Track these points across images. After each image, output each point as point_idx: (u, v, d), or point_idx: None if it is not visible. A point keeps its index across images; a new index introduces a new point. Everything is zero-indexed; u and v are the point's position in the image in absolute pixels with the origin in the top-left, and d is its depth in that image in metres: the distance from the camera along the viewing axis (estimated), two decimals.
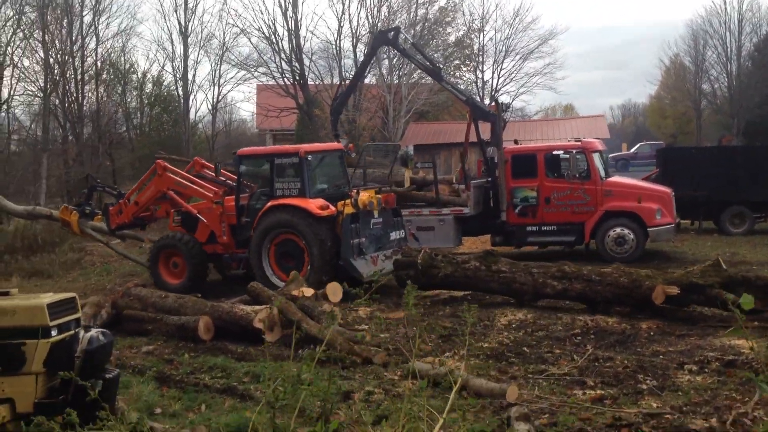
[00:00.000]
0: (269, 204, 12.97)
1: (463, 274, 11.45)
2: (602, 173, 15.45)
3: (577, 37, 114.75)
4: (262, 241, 12.93)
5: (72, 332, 5.70)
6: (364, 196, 13.07)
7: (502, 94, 45.80)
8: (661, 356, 8.19)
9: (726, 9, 45.41)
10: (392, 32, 17.38)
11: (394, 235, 13.71)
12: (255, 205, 13.48)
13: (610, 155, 50.56)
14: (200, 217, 13.88)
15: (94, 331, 5.82)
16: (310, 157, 13.09)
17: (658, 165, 20.54)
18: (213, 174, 14.45)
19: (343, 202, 12.78)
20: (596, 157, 15.55)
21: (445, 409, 4.71)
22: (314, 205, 12.60)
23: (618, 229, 14.86)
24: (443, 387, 7.34)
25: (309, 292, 10.40)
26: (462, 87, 43.49)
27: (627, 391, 6.99)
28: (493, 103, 16.85)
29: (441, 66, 20.85)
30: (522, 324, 10.09)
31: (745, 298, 3.68)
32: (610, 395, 6.88)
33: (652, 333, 9.34)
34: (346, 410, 6.77)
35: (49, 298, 5.68)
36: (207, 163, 15.16)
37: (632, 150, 47.69)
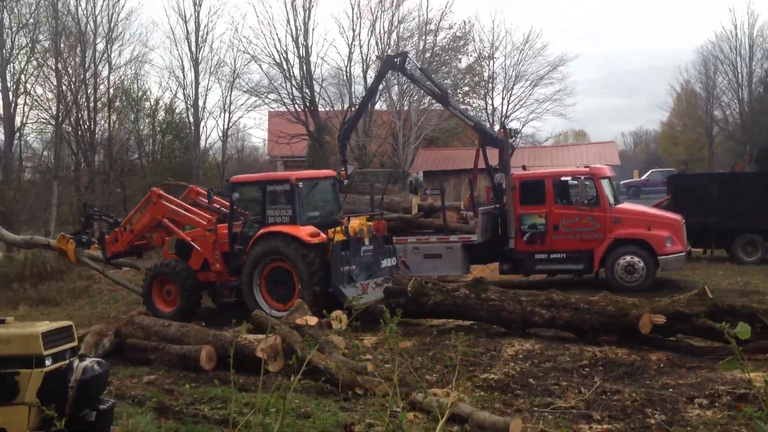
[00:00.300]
0: (261, 231, 12.99)
1: (453, 302, 11.44)
2: (611, 200, 15.29)
3: (589, 64, 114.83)
4: (254, 268, 12.93)
5: (67, 362, 5.63)
6: (355, 223, 13.03)
7: (511, 120, 45.85)
8: (671, 389, 7.99)
9: (737, 34, 45.51)
10: (399, 57, 17.42)
11: (386, 263, 13.63)
12: (248, 233, 13.45)
13: (621, 182, 50.56)
14: (194, 244, 13.95)
15: (88, 361, 5.75)
16: (301, 184, 13.16)
17: (669, 192, 20.35)
18: (201, 201, 14.55)
19: (333, 229, 12.78)
20: (605, 183, 15.41)
21: None
22: (305, 232, 12.62)
23: (628, 257, 14.66)
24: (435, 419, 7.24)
25: (313, 320, 10.29)
26: (471, 113, 43.83)
27: (634, 426, 6.81)
28: (501, 129, 16.73)
29: (449, 92, 20.78)
30: (529, 354, 9.90)
31: (742, 327, 3.46)
32: (616, 430, 6.70)
33: (662, 365, 9.13)
34: None
35: (44, 326, 5.61)
36: (202, 191, 15.20)
37: (643, 177, 47.52)
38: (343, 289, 12.32)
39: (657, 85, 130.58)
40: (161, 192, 14.85)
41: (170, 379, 9.48)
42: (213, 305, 14.98)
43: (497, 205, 15.99)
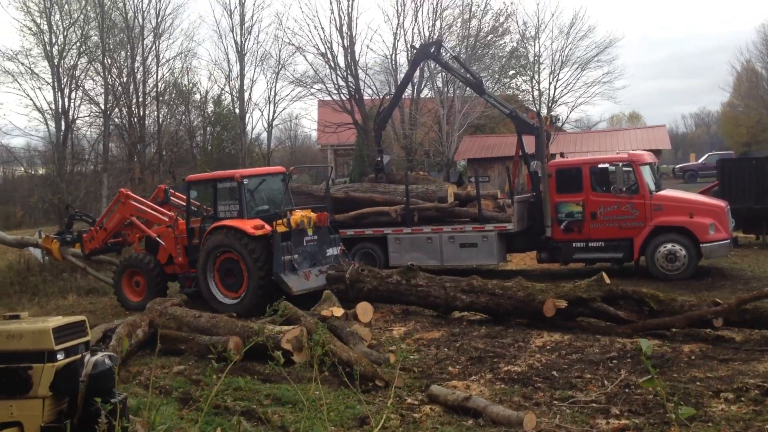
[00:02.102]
0: (212, 226, 13.83)
1: (387, 288, 12.13)
2: (651, 186, 14.87)
3: (649, 46, 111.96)
4: (206, 260, 13.73)
5: (79, 356, 5.77)
6: (297, 215, 13.63)
7: (559, 104, 45.01)
8: (698, 382, 7.77)
9: None
10: (434, 46, 17.25)
11: (331, 252, 14.20)
12: (205, 228, 14.21)
13: (677, 166, 49.18)
14: (159, 240, 15.03)
15: (100, 355, 5.86)
16: (246, 181, 13.86)
17: (718, 177, 19.67)
18: (178, 200, 15.62)
19: (277, 221, 13.39)
20: (645, 169, 14.97)
21: None
22: (249, 225, 13.33)
23: (669, 245, 14.25)
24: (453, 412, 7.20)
25: (339, 312, 10.34)
26: (520, 98, 43.16)
27: (654, 421, 6.64)
28: (536, 116, 16.44)
29: (486, 78, 20.52)
30: (557, 346, 9.75)
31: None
32: (634, 425, 6.55)
33: (693, 357, 8.89)
34: None
35: (55, 322, 5.76)
36: (173, 191, 16.26)
37: (700, 160, 46.14)
38: (285, 277, 13.01)
39: (720, 66, 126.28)
40: (129, 192, 16.03)
41: (199, 370, 9.66)
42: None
43: (533, 193, 15.74)
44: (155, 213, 15.48)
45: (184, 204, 14.92)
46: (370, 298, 12.00)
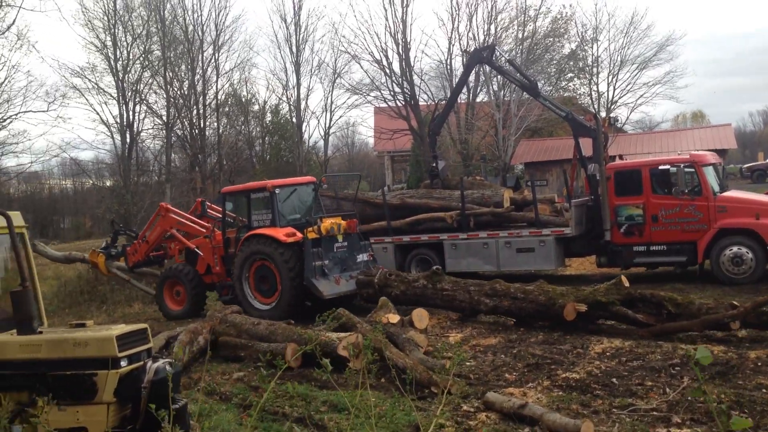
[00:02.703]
0: (246, 234, 14.38)
1: (413, 292, 12.49)
2: (715, 188, 14.43)
3: (712, 44, 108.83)
4: (242, 268, 14.29)
5: (141, 363, 5.96)
6: (327, 222, 14.12)
7: (619, 105, 44.08)
8: (765, 390, 7.50)
9: None
10: (487, 50, 17.18)
11: (361, 258, 14.60)
12: (240, 237, 14.72)
13: (744, 165, 47.56)
14: (198, 251, 15.62)
15: (161, 362, 6.04)
16: (278, 191, 14.39)
17: None
18: (215, 212, 16.11)
19: (308, 228, 13.86)
20: (708, 170, 14.56)
21: None
22: (282, 233, 13.86)
23: (734, 248, 13.81)
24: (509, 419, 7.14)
25: (395, 319, 10.37)
26: (579, 101, 42.45)
27: (717, 430, 6.42)
28: (593, 118, 16.16)
29: (543, 81, 20.30)
30: (617, 352, 9.55)
31: (701, 353, 3.11)
32: None
33: (759, 363, 8.58)
34: None
35: (119, 330, 5.95)
36: (210, 204, 16.85)
37: None
38: (316, 282, 13.49)
39: None
40: (168, 206, 16.71)
41: (257, 376, 9.81)
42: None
43: (592, 197, 15.48)
44: (194, 225, 16.16)
45: (220, 216, 15.47)
46: (397, 302, 12.39)
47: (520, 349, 10.13)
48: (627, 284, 10.61)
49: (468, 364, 9.63)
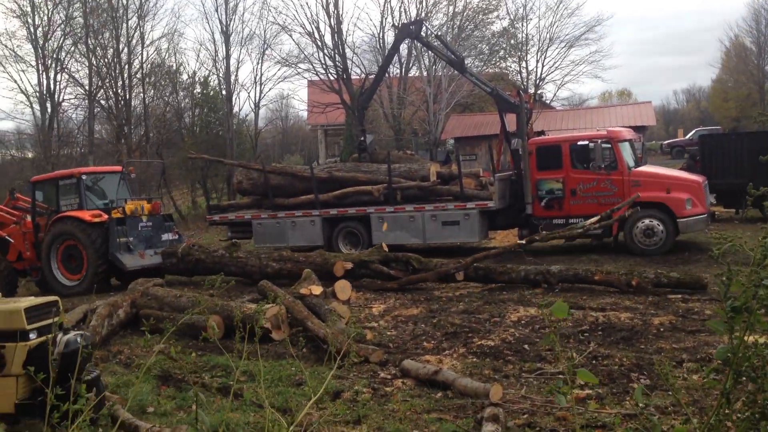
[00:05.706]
0: (54, 218, 15.53)
1: (212, 260, 14.25)
2: (630, 163, 15.02)
3: (642, 24, 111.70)
4: (49, 248, 15.51)
5: (51, 335, 5.90)
6: (131, 205, 15.66)
7: (547, 82, 44.98)
8: (664, 353, 7.95)
9: None
10: (415, 25, 17.28)
11: (166, 237, 16.18)
12: (49, 223, 15.72)
13: (665, 142, 49.33)
14: (8, 239, 16.38)
15: (72, 334, 6.00)
16: (84, 177, 15.83)
17: (700, 152, 19.85)
18: (24, 202, 16.90)
19: (114, 209, 15.37)
20: (624, 146, 15.12)
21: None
22: (88, 214, 15.24)
23: (646, 221, 14.43)
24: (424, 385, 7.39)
25: (317, 290, 10.47)
26: (510, 78, 43.07)
27: (616, 390, 6.82)
28: (517, 93, 16.52)
29: (465, 58, 20.57)
30: (531, 320, 9.93)
31: (558, 307, 2.98)
32: (597, 395, 6.73)
33: (662, 329, 9.08)
34: (332, 408, 6.84)
35: (28, 302, 5.89)
36: (20, 195, 17.78)
37: (687, 136, 46.35)
38: (120, 255, 15.01)
39: (711, 43, 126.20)
40: None
41: (178, 348, 9.78)
42: None
43: (515, 171, 15.87)
44: (3, 213, 16.86)
45: (29, 206, 16.16)
46: (198, 270, 14.39)
47: (440, 318, 10.40)
48: (386, 249, 13.05)
49: (388, 333, 9.84)
